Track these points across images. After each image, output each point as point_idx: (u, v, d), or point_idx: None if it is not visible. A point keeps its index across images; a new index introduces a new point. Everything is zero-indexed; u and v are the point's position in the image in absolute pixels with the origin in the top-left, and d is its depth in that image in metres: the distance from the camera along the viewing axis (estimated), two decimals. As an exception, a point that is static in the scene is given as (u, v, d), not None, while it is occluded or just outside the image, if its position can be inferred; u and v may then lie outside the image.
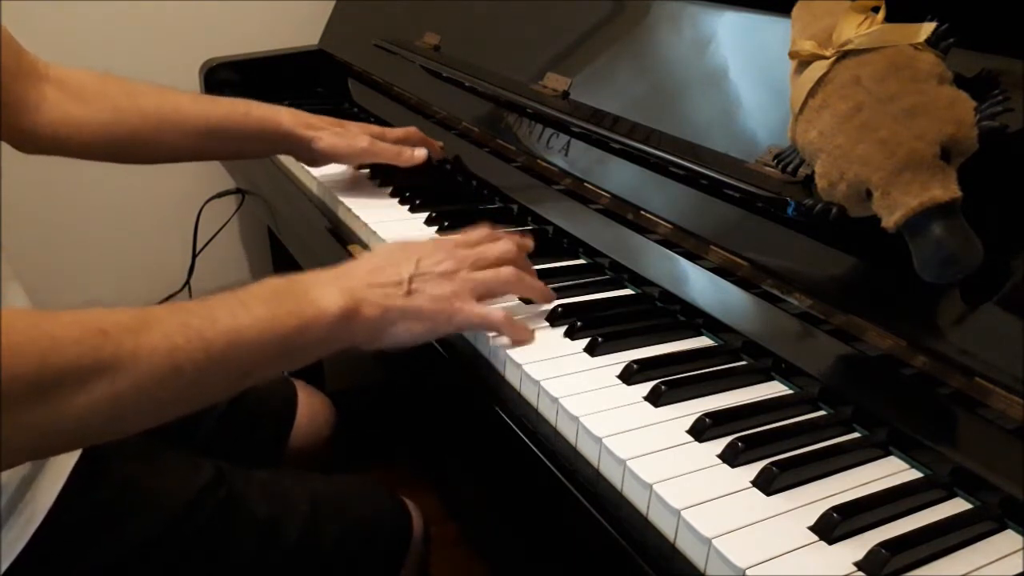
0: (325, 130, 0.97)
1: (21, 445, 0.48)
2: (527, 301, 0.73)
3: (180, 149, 0.93)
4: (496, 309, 0.67)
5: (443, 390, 0.74)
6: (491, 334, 0.67)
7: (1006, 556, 0.47)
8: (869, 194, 0.52)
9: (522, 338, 0.67)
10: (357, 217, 0.92)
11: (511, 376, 0.64)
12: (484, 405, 0.64)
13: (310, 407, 1.00)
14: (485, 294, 0.67)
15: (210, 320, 0.53)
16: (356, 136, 0.98)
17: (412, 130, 1.05)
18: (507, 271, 0.68)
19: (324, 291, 0.60)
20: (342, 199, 0.97)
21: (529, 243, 0.74)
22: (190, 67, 1.45)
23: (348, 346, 0.61)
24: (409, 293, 0.63)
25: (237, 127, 0.94)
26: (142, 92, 0.91)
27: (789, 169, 0.63)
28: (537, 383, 0.61)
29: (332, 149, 0.97)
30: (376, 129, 1.01)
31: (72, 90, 0.87)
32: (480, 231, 0.72)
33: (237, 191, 1.48)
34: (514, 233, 0.74)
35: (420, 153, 0.99)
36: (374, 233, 0.88)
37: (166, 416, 0.54)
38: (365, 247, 0.89)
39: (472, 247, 0.69)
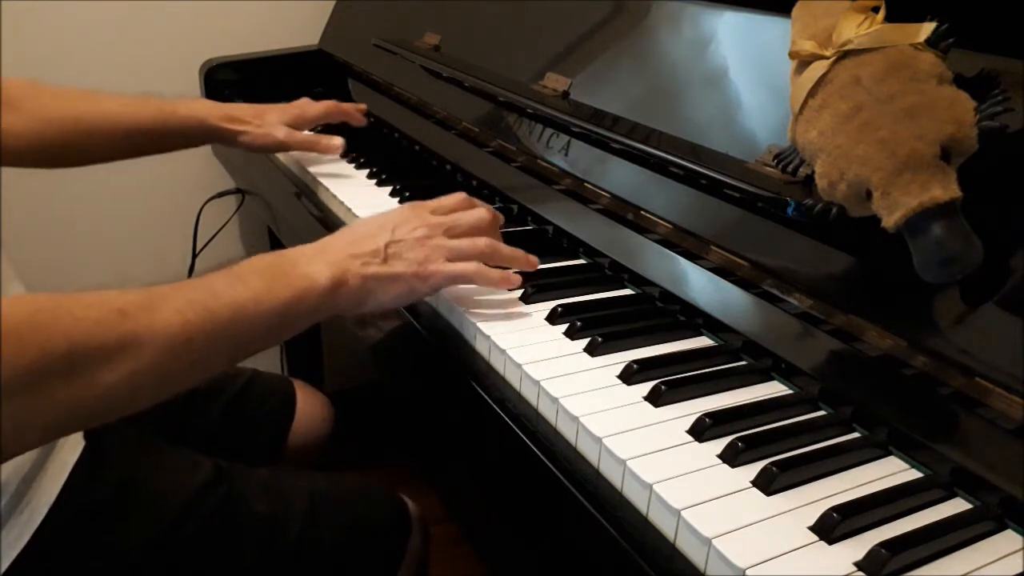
0: (248, 124, 1.03)
1: (49, 422, 0.50)
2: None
3: (111, 151, 0.97)
4: (467, 263, 0.69)
5: (442, 390, 0.74)
6: (487, 332, 0.67)
7: (1006, 556, 0.47)
8: (869, 194, 0.52)
9: (497, 282, 0.70)
10: (358, 218, 0.92)
11: (511, 376, 0.64)
12: (483, 405, 0.64)
13: (309, 407, 1.00)
14: (459, 260, 0.69)
15: (212, 294, 0.57)
16: (274, 127, 1.04)
17: (330, 104, 1.12)
18: (482, 241, 0.71)
19: (312, 265, 0.63)
20: (341, 199, 0.97)
21: (500, 217, 0.76)
22: (190, 67, 1.45)
23: (335, 314, 0.65)
24: (386, 260, 0.66)
25: (165, 126, 0.98)
26: (72, 98, 0.93)
27: (789, 169, 0.63)
28: (537, 383, 0.61)
29: (253, 143, 1.04)
30: (294, 110, 1.08)
31: (3, 100, 0.87)
32: (455, 197, 0.74)
33: (237, 191, 1.48)
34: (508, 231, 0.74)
35: (336, 142, 1.06)
36: (374, 233, 0.88)
37: (181, 387, 0.56)
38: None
39: (446, 214, 0.71)
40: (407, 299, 0.68)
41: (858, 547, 0.46)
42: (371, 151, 1.13)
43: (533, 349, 0.65)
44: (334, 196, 0.99)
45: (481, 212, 0.73)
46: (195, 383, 0.58)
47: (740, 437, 0.53)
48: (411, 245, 0.67)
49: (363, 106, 1.15)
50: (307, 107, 1.09)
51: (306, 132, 1.10)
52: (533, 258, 0.74)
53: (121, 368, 0.51)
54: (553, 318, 0.70)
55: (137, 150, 1.00)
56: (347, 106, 1.13)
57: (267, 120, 1.05)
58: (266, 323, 0.60)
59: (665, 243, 0.75)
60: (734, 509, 0.49)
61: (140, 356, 0.51)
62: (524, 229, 0.91)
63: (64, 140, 0.91)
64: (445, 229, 0.69)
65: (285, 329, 0.63)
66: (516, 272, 0.74)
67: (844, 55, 0.56)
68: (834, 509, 0.47)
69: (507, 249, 0.73)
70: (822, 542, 0.47)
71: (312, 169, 1.07)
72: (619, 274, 0.79)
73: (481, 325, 0.68)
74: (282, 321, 0.61)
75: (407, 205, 0.72)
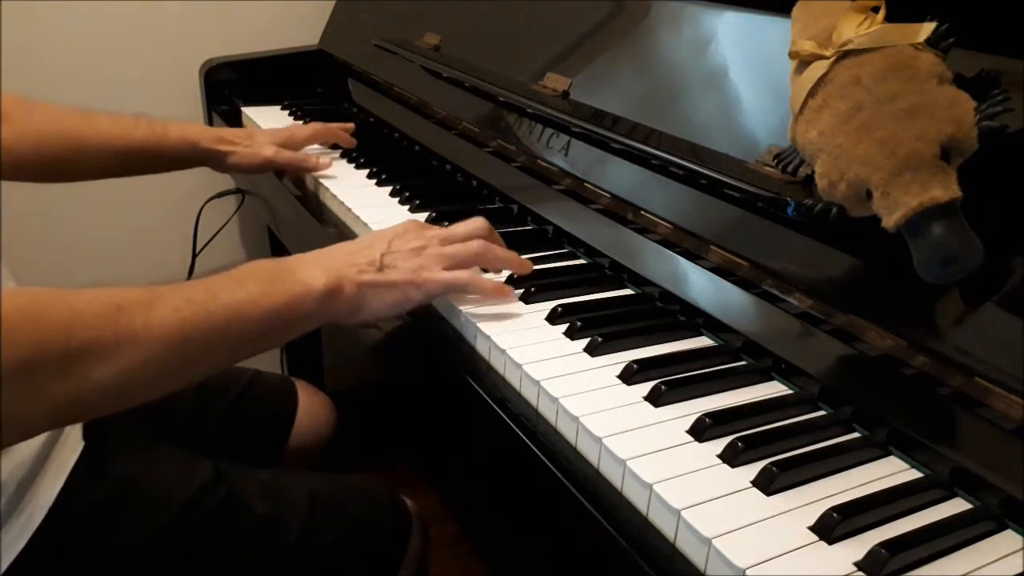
0: (237, 144, 1.05)
1: (44, 416, 0.50)
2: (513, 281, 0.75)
3: (102, 169, 0.99)
4: (461, 271, 0.70)
5: (442, 390, 0.74)
6: (487, 332, 0.67)
7: (1006, 556, 0.47)
8: (869, 194, 0.52)
9: (490, 292, 0.71)
10: (358, 218, 0.92)
11: (511, 376, 0.64)
12: (484, 405, 0.64)
13: (310, 407, 1.00)
14: (454, 266, 0.70)
15: (211, 295, 0.57)
16: (262, 146, 1.06)
17: (318, 127, 1.14)
18: (475, 243, 0.72)
19: (310, 271, 0.64)
20: (341, 199, 0.97)
21: (494, 232, 0.76)
22: (190, 67, 1.45)
23: (331, 320, 0.66)
24: (381, 268, 0.67)
25: (156, 147, 1.00)
26: (65, 115, 0.94)
27: (789, 169, 0.63)
28: (537, 383, 0.61)
29: (242, 162, 1.05)
30: (283, 133, 1.11)
31: (2, 114, 0.88)
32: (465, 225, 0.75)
33: (237, 191, 1.48)
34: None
35: (324, 161, 1.08)
36: (374, 233, 0.88)
37: (175, 386, 0.57)
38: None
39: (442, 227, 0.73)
40: (402, 307, 0.69)
41: (858, 547, 0.46)
42: (371, 151, 1.14)
43: (533, 349, 0.65)
44: (334, 196, 0.99)
45: (478, 222, 0.74)
46: (191, 382, 0.58)
47: (740, 437, 0.53)
48: (406, 255, 0.69)
49: (350, 125, 1.16)
50: (296, 130, 1.12)
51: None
52: (527, 262, 0.75)
53: (116, 363, 0.51)
54: (553, 318, 0.70)
55: (128, 169, 1.01)
56: (335, 127, 1.15)
57: (256, 141, 1.06)
58: (262, 325, 0.60)
59: (665, 243, 0.75)
60: (734, 509, 0.49)
61: (135, 352, 0.52)
62: (524, 229, 0.91)
63: (57, 156, 0.92)
64: (440, 239, 0.71)
65: (281, 332, 0.63)
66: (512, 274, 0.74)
67: (844, 55, 0.56)
68: (834, 509, 0.47)
69: (501, 251, 0.73)
70: (822, 542, 0.47)
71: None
72: (619, 274, 0.79)
73: (481, 325, 0.68)
74: (278, 324, 0.62)
75: (406, 221, 0.74)
